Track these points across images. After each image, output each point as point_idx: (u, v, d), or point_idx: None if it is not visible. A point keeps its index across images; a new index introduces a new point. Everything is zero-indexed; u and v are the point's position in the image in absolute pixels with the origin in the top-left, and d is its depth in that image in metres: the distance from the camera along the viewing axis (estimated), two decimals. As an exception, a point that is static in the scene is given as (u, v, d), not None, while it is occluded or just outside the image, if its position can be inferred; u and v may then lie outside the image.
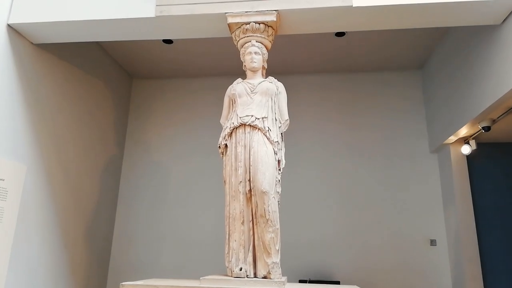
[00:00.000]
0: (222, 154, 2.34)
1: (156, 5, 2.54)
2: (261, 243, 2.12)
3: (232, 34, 2.54)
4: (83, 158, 3.63)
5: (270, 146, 2.22)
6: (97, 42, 3.79)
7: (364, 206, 3.97)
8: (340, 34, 3.53)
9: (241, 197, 2.18)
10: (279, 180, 2.26)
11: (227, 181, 2.27)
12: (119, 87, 4.34)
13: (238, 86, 2.39)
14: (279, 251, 2.16)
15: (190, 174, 4.27)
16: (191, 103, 4.48)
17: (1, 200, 2.62)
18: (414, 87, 4.25)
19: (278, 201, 2.23)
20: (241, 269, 2.11)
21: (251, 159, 2.18)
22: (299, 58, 4.01)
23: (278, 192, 2.24)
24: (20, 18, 2.64)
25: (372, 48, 3.82)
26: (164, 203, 4.26)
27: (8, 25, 2.67)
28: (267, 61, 2.52)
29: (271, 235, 2.10)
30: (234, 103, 2.37)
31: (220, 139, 2.33)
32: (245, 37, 2.46)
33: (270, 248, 2.11)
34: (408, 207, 3.94)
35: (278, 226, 2.14)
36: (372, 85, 4.29)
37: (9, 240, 2.69)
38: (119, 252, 4.17)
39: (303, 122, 4.21)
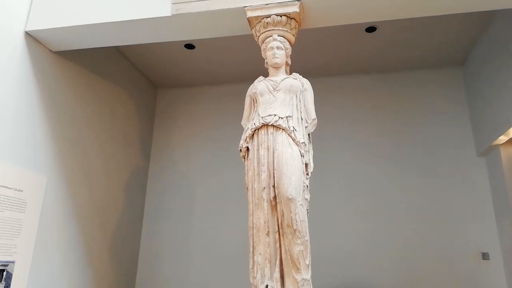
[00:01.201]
0: (244, 158, 2.13)
1: (172, 3, 2.41)
2: (289, 257, 1.88)
3: (252, 29, 2.37)
4: (107, 169, 3.54)
5: (295, 148, 2.00)
6: (119, 51, 3.74)
7: (404, 217, 3.62)
8: (370, 30, 3.28)
9: (265, 205, 1.96)
10: (307, 186, 2.02)
11: (250, 187, 2.06)
12: (144, 97, 4.27)
13: (259, 84, 2.19)
14: (310, 266, 1.91)
15: (217, 185, 4.09)
16: (216, 110, 4.33)
17: (20, 212, 2.54)
18: (455, 86, 3.89)
19: (307, 209, 1.99)
20: (267, 287, 1.87)
21: (275, 163, 1.97)
22: (326, 59, 3.78)
23: (307, 199, 2.00)
24: (37, 25, 2.60)
25: (406, 45, 3.52)
26: (191, 215, 4.09)
27: (26, 32, 2.62)
28: (291, 56, 2.32)
29: (300, 248, 1.86)
30: (256, 102, 2.17)
31: (241, 141, 2.13)
32: (266, 31, 2.27)
33: (299, 262, 1.87)
34: (455, 217, 3.55)
35: (307, 237, 1.90)
36: (407, 86, 3.96)
37: (28, 255, 2.59)
38: (145, 268, 4.02)
39: (332, 127, 3.94)
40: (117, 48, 3.68)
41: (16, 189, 2.51)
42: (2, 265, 2.40)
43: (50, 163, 2.85)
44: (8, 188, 2.45)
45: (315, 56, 3.72)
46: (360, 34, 3.35)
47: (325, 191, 3.75)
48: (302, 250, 1.85)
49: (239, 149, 2.14)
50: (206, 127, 4.32)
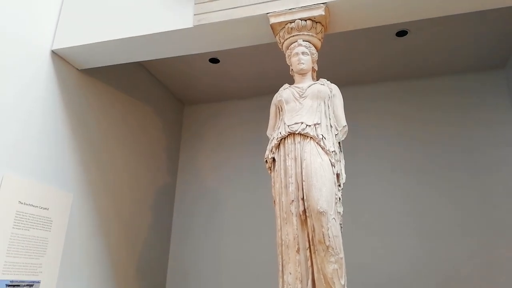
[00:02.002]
0: (270, 169, 2.00)
1: (194, 15, 2.36)
2: (321, 277, 1.72)
3: (276, 36, 2.27)
4: (133, 187, 3.50)
5: (325, 157, 1.85)
6: (145, 68, 3.75)
7: (449, 234, 3.33)
8: (401, 34, 3.11)
9: (294, 220, 1.81)
10: (339, 198, 1.86)
11: (277, 201, 1.92)
12: (170, 114, 4.25)
13: (284, 92, 2.08)
14: (346, 287, 1.73)
15: (246, 200, 3.97)
16: (243, 124, 4.24)
17: (45, 230, 2.50)
18: (497, 90, 3.62)
19: (340, 224, 1.83)
20: (298, 309, 1.71)
21: (303, 173, 1.83)
22: (355, 67, 3.62)
23: (340, 212, 1.83)
24: (63, 43, 2.63)
25: (439, 48, 3.32)
26: (220, 233, 3.96)
27: (53, 51, 2.65)
28: (318, 62, 2.20)
29: (334, 266, 1.69)
30: (281, 110, 2.06)
31: (267, 152, 2.01)
32: (291, 37, 2.17)
33: (334, 283, 1.70)
34: (508, 232, 3.23)
35: (342, 255, 1.73)
36: (443, 92, 3.73)
37: (53, 274, 2.54)
38: (174, 287, 3.91)
39: (362, 139, 3.74)
40: (142, 65, 3.69)
41: (41, 207, 2.49)
42: (27, 285, 2.36)
43: (76, 181, 2.83)
44: (33, 206, 2.43)
45: (342, 65, 3.58)
46: (389, 39, 3.19)
47: (359, 205, 3.53)
48: (337, 269, 1.68)
49: (265, 160, 2.01)
50: (233, 142, 4.23)
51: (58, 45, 2.63)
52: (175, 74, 3.84)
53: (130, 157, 3.48)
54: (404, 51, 3.35)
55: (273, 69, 3.62)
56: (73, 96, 2.85)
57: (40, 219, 2.47)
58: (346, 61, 3.53)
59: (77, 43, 2.59)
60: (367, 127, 3.78)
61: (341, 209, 1.84)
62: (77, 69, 2.87)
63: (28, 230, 2.38)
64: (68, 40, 2.62)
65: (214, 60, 3.57)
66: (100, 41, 2.54)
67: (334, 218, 1.74)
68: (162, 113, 4.08)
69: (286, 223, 1.84)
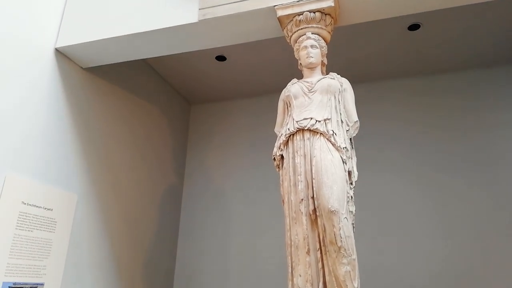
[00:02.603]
0: (278, 167, 1.92)
1: (199, 9, 2.30)
2: (333, 279, 1.63)
3: (284, 30, 2.19)
4: (140, 188, 3.44)
5: (336, 154, 1.76)
6: (151, 67, 3.70)
7: (467, 234, 3.21)
8: (413, 28, 3.01)
9: (304, 219, 1.73)
10: (351, 197, 1.77)
11: (286, 200, 1.84)
12: (177, 113, 4.20)
13: (293, 87, 2.00)
14: (359, 290, 1.64)
15: (255, 201, 3.88)
16: (252, 124, 4.16)
17: (49, 231, 2.45)
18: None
19: (353, 224, 1.74)
20: (309, 314, 1.63)
21: (313, 171, 1.74)
22: (367, 63, 3.53)
23: (352, 212, 1.75)
24: (67, 41, 2.58)
25: (454, 42, 3.20)
26: (228, 234, 3.89)
27: (56, 49, 2.61)
28: (327, 56, 2.11)
29: (346, 268, 1.60)
30: (289, 106, 1.98)
31: (275, 149, 1.93)
32: (299, 29, 2.09)
33: (346, 286, 1.61)
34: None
35: (354, 256, 1.64)
36: (462, 88, 3.58)
37: (58, 276, 2.49)
38: (181, 290, 3.85)
39: (379, 140, 3.63)
40: (148, 63, 3.64)
41: (45, 208, 2.44)
42: (30, 287, 2.31)
43: (81, 181, 2.78)
44: (37, 207, 2.38)
45: (352, 61, 3.48)
46: (401, 32, 3.09)
47: (373, 205, 3.43)
48: (349, 271, 1.59)
49: (273, 157, 1.94)
50: (241, 142, 4.16)
51: (62, 43, 2.59)
52: (181, 72, 3.78)
53: (136, 157, 3.43)
54: (416, 45, 3.24)
55: (281, 66, 3.55)
56: (78, 96, 2.80)
57: (44, 220, 2.42)
58: (355, 60, 3.43)
59: (80, 41, 2.54)
60: (380, 123, 3.67)
61: (353, 208, 1.76)
62: (81, 67, 2.83)
63: (31, 231, 2.33)
64: (72, 38, 2.58)
65: (220, 58, 3.51)
66: (103, 38, 2.48)
67: (346, 217, 1.66)
68: (168, 112, 4.02)
69: (296, 223, 1.75)
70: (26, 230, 2.29)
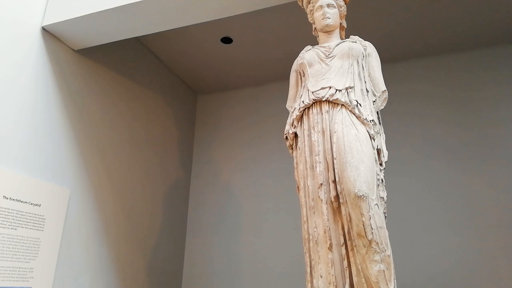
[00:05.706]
0: (291, 147, 1.62)
1: (196, -27, 2.01)
2: (363, 281, 1.31)
3: (295, -9, 1.89)
4: (141, 181, 3.17)
5: (362, 128, 1.45)
6: (154, 54, 3.43)
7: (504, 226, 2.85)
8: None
9: (324, 208, 1.42)
10: (382, 180, 1.45)
11: (301, 186, 1.53)
12: (183, 104, 3.92)
13: (307, 54, 1.69)
14: (395, 294, 1.32)
15: (266, 194, 3.58)
16: (261, 113, 3.85)
17: (37, 230, 2.19)
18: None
19: (384, 212, 1.42)
20: (333, 324, 1.32)
21: (334, 149, 1.43)
22: (387, 42, 3.19)
23: (383, 198, 1.43)
24: (54, 18, 2.33)
25: (472, 15, 2.84)
26: (238, 230, 3.58)
27: (43, 28, 2.35)
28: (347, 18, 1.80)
29: (380, 267, 1.28)
30: (303, 76, 1.67)
31: (287, 126, 1.62)
32: (312, -13, 1.78)
33: (379, 288, 1.29)
34: None
35: (389, 251, 1.32)
36: (478, 67, 3.23)
37: (47, 280, 2.22)
38: (190, 291, 3.57)
39: (402, 123, 3.29)
40: (147, 47, 3.37)
41: (31, 204, 2.18)
42: (16, 293, 2.05)
43: (74, 175, 2.52)
44: (22, 202, 2.12)
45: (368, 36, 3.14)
46: (424, 2, 2.75)
47: (401, 195, 3.09)
48: (383, 270, 1.27)
49: (285, 136, 1.63)
50: (251, 133, 3.85)
51: (49, 21, 2.33)
52: (185, 57, 3.49)
53: (137, 149, 3.16)
54: (436, 19, 2.89)
55: (292, 46, 3.22)
56: (70, 81, 2.55)
57: (30, 216, 2.16)
58: (375, 39, 3.10)
59: (68, 17, 2.29)
60: (409, 109, 3.33)
61: (384, 194, 1.44)
62: (72, 49, 2.57)
63: (15, 229, 2.07)
64: (59, 15, 2.32)
65: (226, 40, 3.21)
66: (93, 11, 2.23)
67: (376, 204, 1.34)
68: (174, 102, 3.75)
69: (314, 213, 1.44)
70: (8, 228, 2.03)
